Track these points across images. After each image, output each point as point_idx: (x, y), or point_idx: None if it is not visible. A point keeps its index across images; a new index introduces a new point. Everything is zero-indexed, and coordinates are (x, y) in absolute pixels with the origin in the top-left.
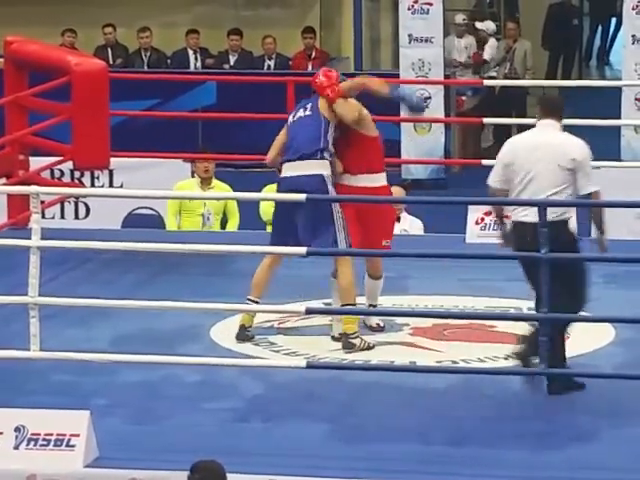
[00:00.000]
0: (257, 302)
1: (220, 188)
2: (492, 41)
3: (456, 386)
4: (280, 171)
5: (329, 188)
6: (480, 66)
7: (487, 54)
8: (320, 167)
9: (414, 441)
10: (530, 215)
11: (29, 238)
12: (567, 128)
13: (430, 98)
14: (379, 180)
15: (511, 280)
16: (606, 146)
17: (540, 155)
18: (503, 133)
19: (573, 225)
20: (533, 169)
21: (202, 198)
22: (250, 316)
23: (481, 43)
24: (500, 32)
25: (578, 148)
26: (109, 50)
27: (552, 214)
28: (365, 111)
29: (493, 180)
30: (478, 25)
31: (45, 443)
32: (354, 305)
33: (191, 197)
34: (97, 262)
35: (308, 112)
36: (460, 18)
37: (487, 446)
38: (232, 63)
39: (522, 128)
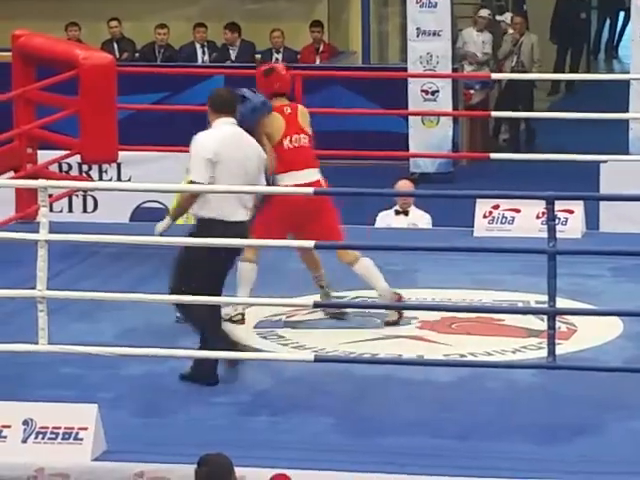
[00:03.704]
0: None
1: None
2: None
3: (464, 379)
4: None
5: None
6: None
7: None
8: None
9: (421, 434)
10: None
11: (37, 232)
12: (575, 122)
13: (438, 91)
14: None
15: (519, 273)
16: (614, 139)
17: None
18: (512, 126)
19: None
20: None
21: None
22: None
23: (500, 36)
24: None
25: None
26: (115, 44)
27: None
28: None
29: (203, 177)
30: (499, 17)
31: (53, 436)
32: None
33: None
34: (104, 256)
35: None
36: (486, 12)
37: (494, 439)
38: (233, 58)
39: (529, 121)
